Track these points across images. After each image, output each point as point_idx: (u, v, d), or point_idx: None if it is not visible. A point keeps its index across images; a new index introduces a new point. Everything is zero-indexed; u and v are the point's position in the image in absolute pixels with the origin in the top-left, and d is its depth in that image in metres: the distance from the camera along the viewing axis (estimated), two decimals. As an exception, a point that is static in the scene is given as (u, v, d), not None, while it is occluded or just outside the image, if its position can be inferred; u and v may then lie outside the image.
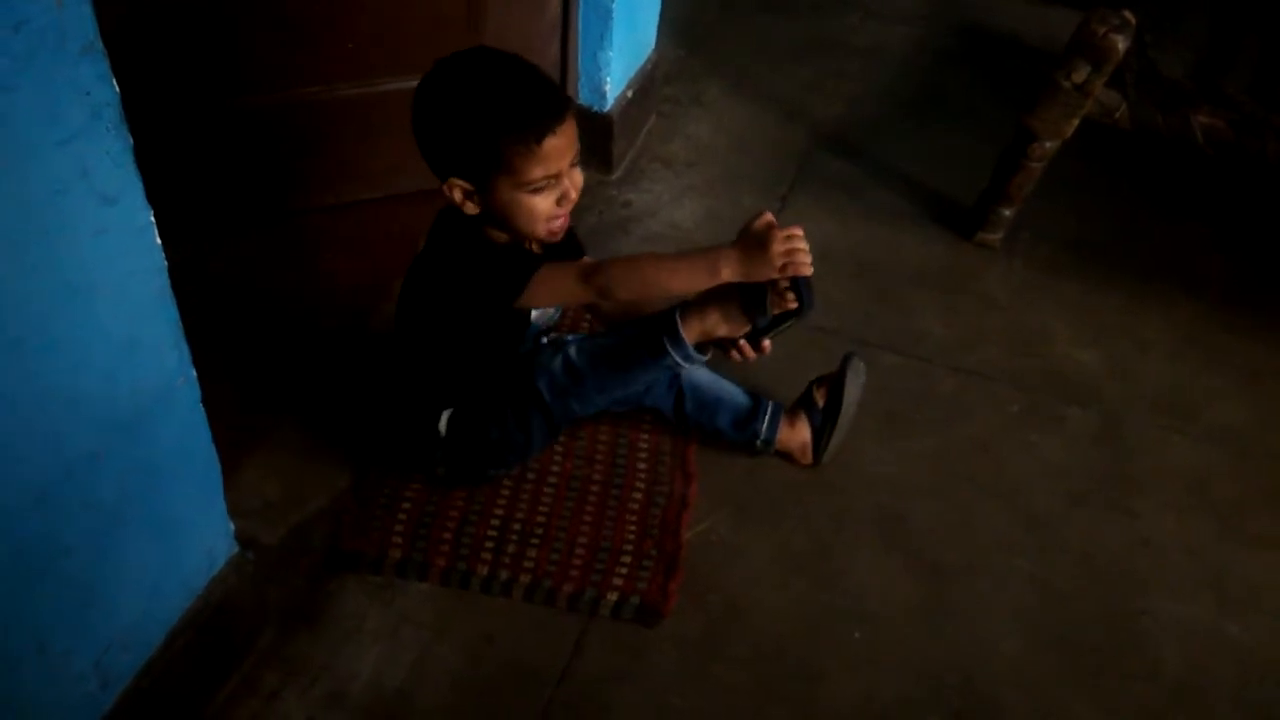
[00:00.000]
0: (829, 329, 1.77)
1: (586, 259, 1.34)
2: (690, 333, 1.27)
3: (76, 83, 0.75)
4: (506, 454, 1.40)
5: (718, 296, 1.25)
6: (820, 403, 1.50)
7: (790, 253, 1.16)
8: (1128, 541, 1.50)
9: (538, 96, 1.16)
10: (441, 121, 1.18)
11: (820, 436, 1.50)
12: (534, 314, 1.36)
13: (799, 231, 1.18)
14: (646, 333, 1.29)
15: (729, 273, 1.19)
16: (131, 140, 0.82)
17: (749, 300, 1.24)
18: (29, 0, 0.69)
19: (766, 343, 1.27)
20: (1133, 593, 1.43)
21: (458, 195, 1.20)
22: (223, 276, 1.71)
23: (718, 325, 1.27)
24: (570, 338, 1.43)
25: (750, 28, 2.72)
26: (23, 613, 0.91)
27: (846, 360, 1.50)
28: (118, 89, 0.79)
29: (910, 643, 1.34)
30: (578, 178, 1.22)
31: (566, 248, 1.35)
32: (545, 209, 1.20)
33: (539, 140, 1.14)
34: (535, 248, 1.31)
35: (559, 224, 1.23)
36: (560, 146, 1.16)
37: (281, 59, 1.67)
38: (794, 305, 1.21)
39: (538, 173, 1.16)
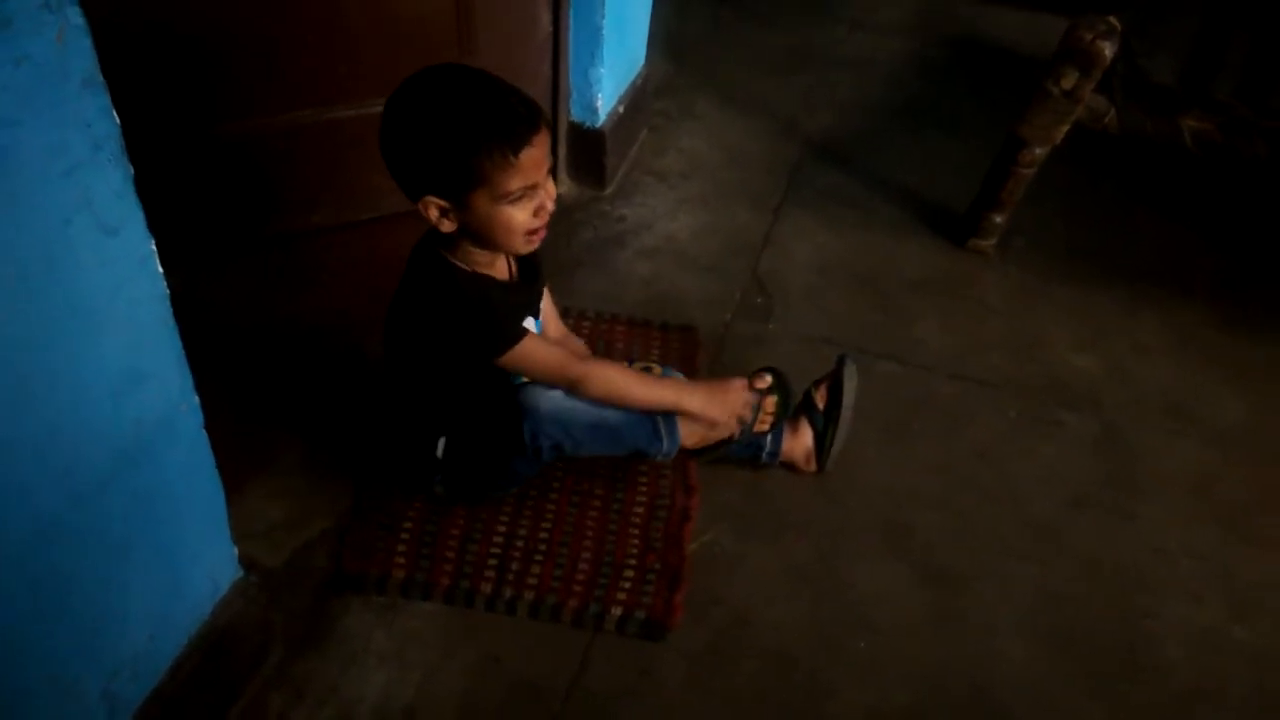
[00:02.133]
0: (825, 338, 1.78)
1: (573, 355, 1.35)
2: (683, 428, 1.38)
3: (78, 116, 0.76)
4: (504, 470, 1.40)
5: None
6: (821, 404, 1.51)
7: (746, 405, 1.40)
8: (1132, 545, 1.50)
9: (511, 109, 1.16)
10: (415, 140, 1.17)
11: (824, 439, 1.51)
12: None
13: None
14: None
15: (690, 404, 1.36)
16: (132, 170, 0.83)
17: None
18: (30, 36, 0.70)
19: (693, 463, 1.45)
20: (1139, 596, 1.44)
21: (433, 213, 1.20)
22: (222, 301, 1.72)
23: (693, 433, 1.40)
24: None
25: (738, 41, 2.74)
26: (34, 644, 0.91)
27: (841, 360, 1.53)
28: (118, 121, 0.80)
29: (917, 651, 1.34)
30: (552, 187, 1.23)
31: (530, 267, 1.37)
32: (523, 220, 1.21)
33: (516, 152, 1.15)
34: (512, 264, 1.33)
35: (538, 235, 1.25)
36: (536, 157, 1.17)
37: (273, 84, 1.68)
38: (768, 427, 1.44)
39: (515, 184, 1.17)
